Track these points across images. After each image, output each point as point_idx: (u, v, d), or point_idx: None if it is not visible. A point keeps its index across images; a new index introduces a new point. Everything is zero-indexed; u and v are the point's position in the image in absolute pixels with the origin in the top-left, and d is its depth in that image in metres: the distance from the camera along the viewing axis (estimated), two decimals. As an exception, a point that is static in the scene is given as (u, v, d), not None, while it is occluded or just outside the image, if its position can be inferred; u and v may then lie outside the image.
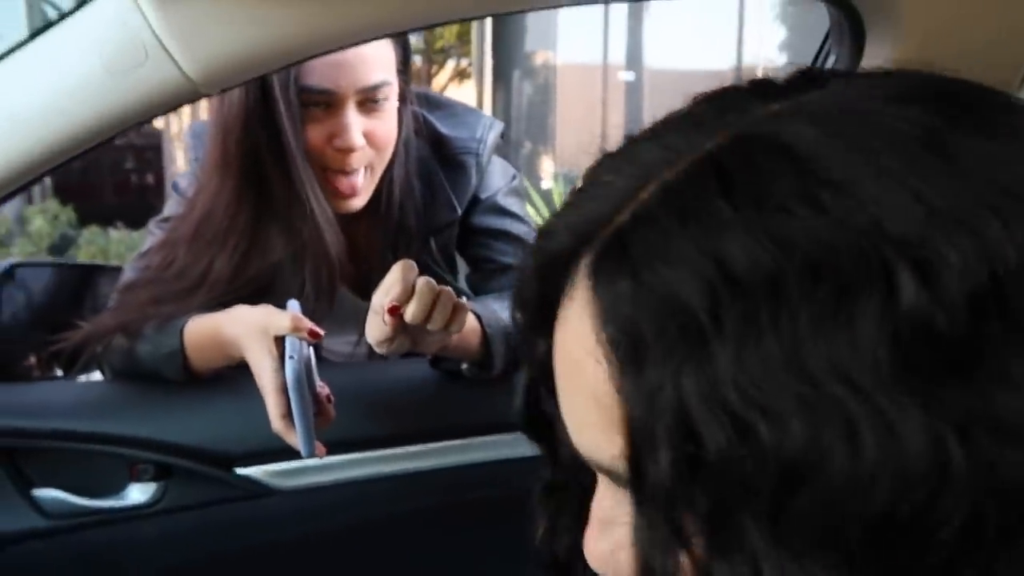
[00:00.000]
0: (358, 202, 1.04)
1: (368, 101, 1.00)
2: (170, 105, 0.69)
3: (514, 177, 1.17)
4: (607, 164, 0.34)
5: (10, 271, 1.16)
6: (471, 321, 0.94)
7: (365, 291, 1.09)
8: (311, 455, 0.83)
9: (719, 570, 0.29)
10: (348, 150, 1.00)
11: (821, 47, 0.94)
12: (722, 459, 0.28)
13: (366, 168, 1.03)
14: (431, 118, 1.11)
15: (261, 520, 0.98)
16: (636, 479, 0.30)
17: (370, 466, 0.98)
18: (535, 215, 2.67)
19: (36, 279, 1.22)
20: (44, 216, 6.60)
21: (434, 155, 1.10)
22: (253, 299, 0.94)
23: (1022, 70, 0.76)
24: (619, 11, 7.53)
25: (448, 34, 7.88)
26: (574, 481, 0.44)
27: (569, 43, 8.38)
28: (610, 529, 0.35)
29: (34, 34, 0.68)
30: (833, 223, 0.28)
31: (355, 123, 0.99)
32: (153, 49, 0.63)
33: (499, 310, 0.97)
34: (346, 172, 1.01)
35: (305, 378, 0.81)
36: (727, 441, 0.27)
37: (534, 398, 0.42)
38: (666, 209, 0.30)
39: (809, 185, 0.28)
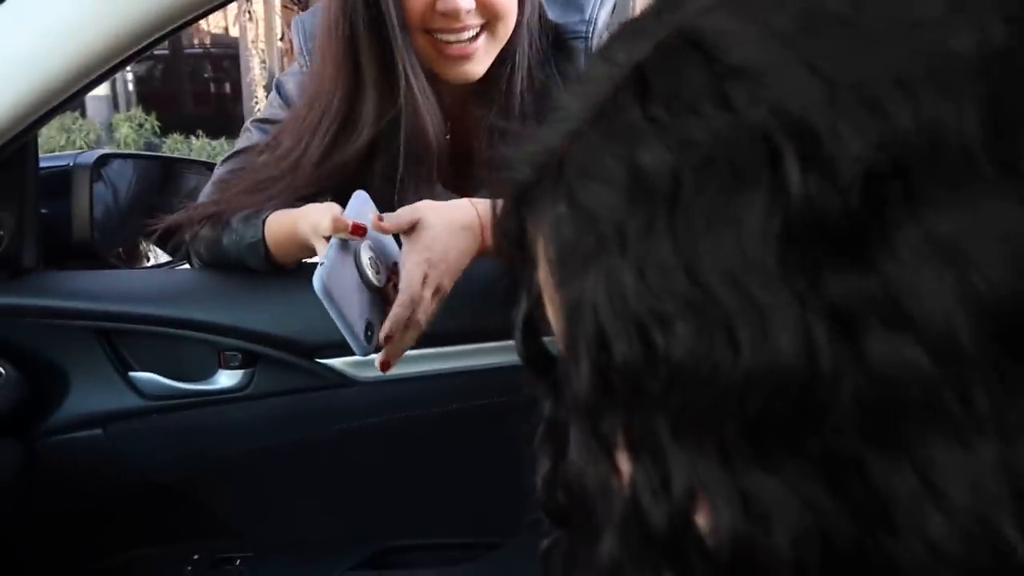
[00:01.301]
0: (475, 68, 0.98)
1: None
2: None
3: None
4: (566, 89, 0.35)
5: (102, 161, 1.20)
6: None
7: (461, 190, 1.06)
8: (364, 354, 0.82)
9: (637, 475, 0.30)
10: (454, 15, 0.94)
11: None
12: (628, 368, 0.29)
13: (482, 32, 0.97)
14: None
15: (341, 408, 1.01)
16: (568, 392, 0.31)
17: (448, 360, 1.00)
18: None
19: (124, 171, 1.25)
20: (130, 124, 6.79)
21: (545, 36, 1.04)
22: (345, 189, 0.92)
23: None
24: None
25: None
26: None
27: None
28: None
29: None
30: (733, 115, 0.27)
31: None
32: None
33: None
34: (457, 36, 0.96)
35: (336, 281, 0.79)
36: (631, 350, 0.28)
37: (532, 331, 0.43)
38: (596, 127, 0.31)
39: (717, 79, 0.28)
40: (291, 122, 1.02)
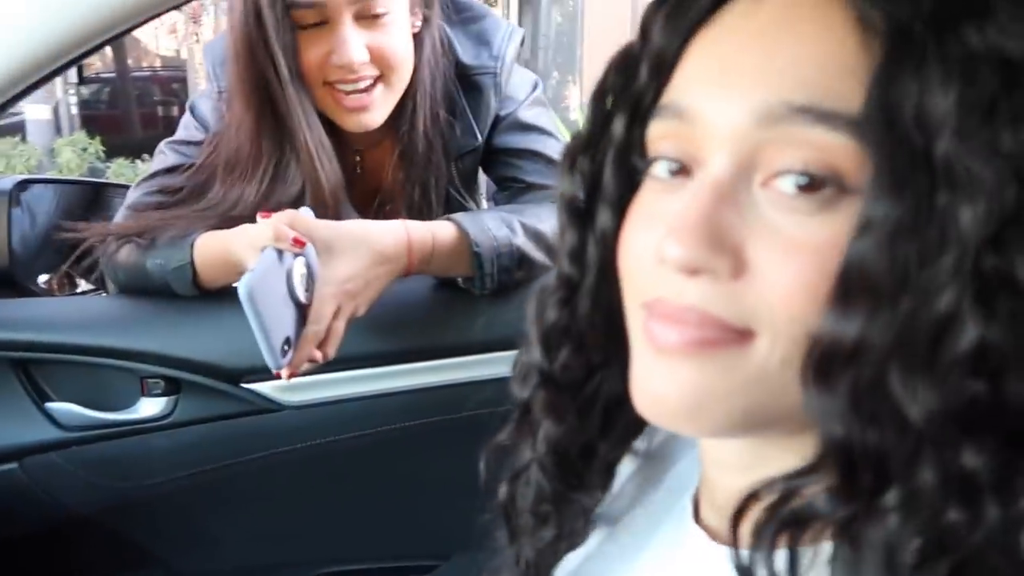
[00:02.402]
0: (373, 117, 1.01)
1: (366, 15, 0.96)
2: (163, 5, 0.69)
3: (535, 86, 1.13)
4: None
5: (21, 186, 1.17)
6: (458, 239, 0.94)
7: (387, 217, 1.08)
8: (276, 368, 0.82)
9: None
10: (347, 67, 0.97)
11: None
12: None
13: (378, 83, 1.00)
14: (449, 33, 1.07)
15: (268, 433, 0.99)
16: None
17: (376, 382, 0.99)
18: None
19: (44, 197, 1.22)
20: (73, 148, 6.65)
21: (454, 75, 1.07)
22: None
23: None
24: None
25: (474, -40, 7.63)
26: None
27: (598, -32, 8.11)
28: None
29: None
30: None
31: (353, 38, 0.96)
32: None
33: (493, 228, 0.96)
34: (353, 86, 0.98)
35: (262, 291, 0.78)
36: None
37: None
38: None
39: None
40: (215, 166, 1.02)
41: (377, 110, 1.01)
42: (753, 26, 0.39)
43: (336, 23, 0.96)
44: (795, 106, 0.36)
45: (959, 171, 0.34)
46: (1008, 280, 0.34)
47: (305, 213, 0.89)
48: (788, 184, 0.37)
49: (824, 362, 0.36)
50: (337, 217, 0.99)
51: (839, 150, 0.36)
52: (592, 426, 0.50)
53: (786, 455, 0.40)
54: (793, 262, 0.36)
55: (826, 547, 0.37)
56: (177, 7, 0.78)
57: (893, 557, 0.34)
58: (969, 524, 0.33)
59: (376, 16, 0.97)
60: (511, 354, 1.02)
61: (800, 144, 0.36)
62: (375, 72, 0.99)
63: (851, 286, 0.35)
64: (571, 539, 0.53)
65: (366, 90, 0.99)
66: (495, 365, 1.00)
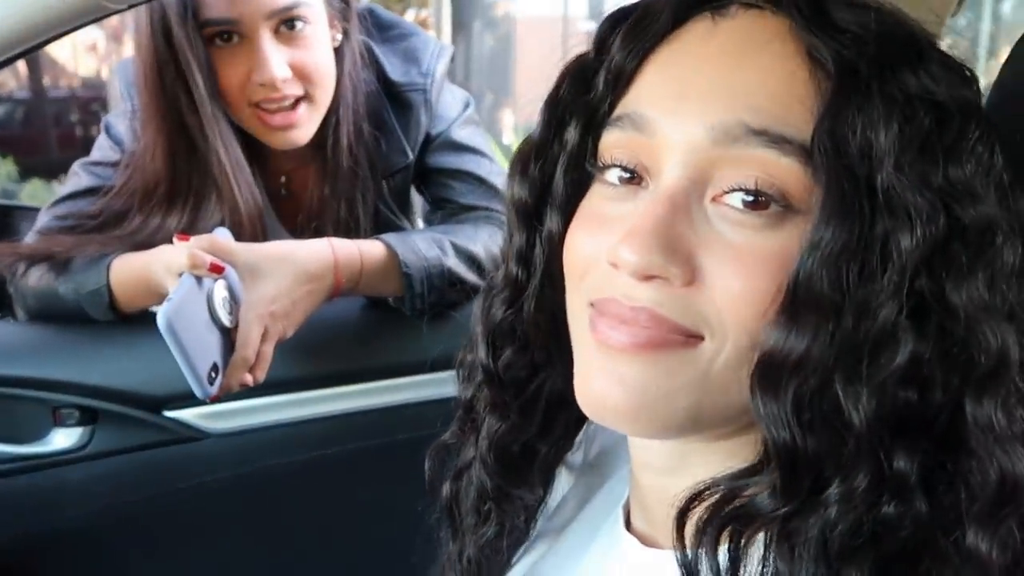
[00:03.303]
0: (299, 134, 0.99)
1: (283, 27, 0.95)
2: (79, 19, 0.66)
3: (467, 105, 1.13)
4: None
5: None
6: (387, 258, 0.93)
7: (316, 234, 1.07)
8: (205, 397, 0.80)
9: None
10: (270, 84, 0.95)
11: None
12: None
13: (302, 100, 0.98)
14: (376, 50, 1.06)
15: (192, 463, 0.96)
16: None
17: (303, 407, 0.97)
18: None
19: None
20: (-17, 169, 6.35)
21: (382, 91, 1.06)
22: None
23: (953, 5, 0.77)
24: (579, -40, 7.40)
25: (406, -17, 7.69)
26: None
27: (529, -6, 8.24)
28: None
29: None
30: None
31: (273, 54, 0.94)
32: None
33: (423, 248, 0.95)
34: (277, 106, 0.97)
35: (183, 319, 0.77)
36: None
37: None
38: None
39: None
40: (133, 196, 0.99)
41: (304, 127, 0.99)
42: (710, 49, 0.41)
43: (253, 39, 0.94)
44: (750, 127, 0.38)
45: (897, 200, 0.37)
46: (938, 300, 0.37)
47: (223, 235, 0.87)
48: (736, 199, 0.39)
49: (771, 371, 0.38)
50: (260, 240, 0.97)
51: (788, 172, 0.38)
52: (534, 424, 0.52)
53: (711, 458, 0.42)
54: (741, 272, 0.39)
55: (758, 540, 0.39)
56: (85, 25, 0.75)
57: (826, 548, 0.36)
58: (900, 517, 0.36)
59: (294, 28, 0.95)
60: (444, 375, 1.02)
61: (752, 163, 0.39)
62: (299, 90, 0.97)
63: (798, 302, 0.37)
64: (513, 536, 0.54)
65: (292, 108, 0.97)
66: (427, 387, 0.99)
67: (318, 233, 1.02)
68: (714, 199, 0.40)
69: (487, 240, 1.01)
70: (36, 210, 1.33)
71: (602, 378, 0.41)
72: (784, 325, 0.37)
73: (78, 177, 1.04)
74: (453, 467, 0.54)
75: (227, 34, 0.94)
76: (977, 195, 0.37)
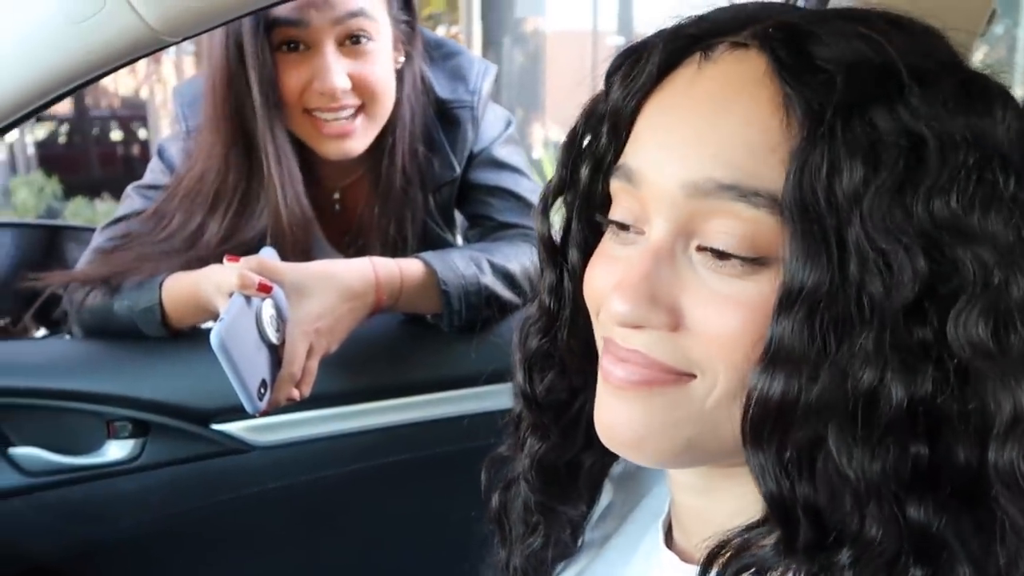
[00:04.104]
0: (354, 145, 1.01)
1: (348, 40, 0.97)
2: (132, 53, 0.68)
3: (508, 124, 1.15)
4: None
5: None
6: (426, 276, 0.95)
7: (354, 253, 1.08)
8: (255, 412, 0.83)
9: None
10: (329, 93, 0.97)
11: None
12: None
13: (360, 112, 1.00)
14: (425, 68, 1.09)
15: (239, 475, 0.98)
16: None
17: (346, 421, 0.99)
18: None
19: (4, 240, 1.21)
20: (29, 188, 6.53)
21: (431, 110, 1.08)
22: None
23: (983, 19, 0.77)
24: (609, -24, 7.41)
25: (436, 1, 7.77)
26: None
27: (559, 10, 8.27)
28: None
29: None
30: None
31: (335, 64, 0.97)
32: None
33: (461, 266, 0.97)
34: (333, 116, 0.99)
35: (235, 338, 0.79)
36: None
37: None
38: None
39: None
40: (180, 196, 1.02)
41: (357, 139, 1.01)
42: (692, 99, 0.42)
43: (318, 48, 0.97)
44: (720, 183, 0.39)
45: (867, 248, 0.37)
46: (936, 347, 0.36)
47: (269, 255, 0.90)
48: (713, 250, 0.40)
49: (756, 420, 0.39)
50: (302, 252, 1.00)
51: (759, 224, 0.39)
52: (576, 443, 0.54)
53: (735, 481, 0.43)
54: (723, 316, 0.40)
55: None
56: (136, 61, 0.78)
57: None
58: None
59: (358, 42, 0.98)
60: (482, 390, 1.04)
61: (725, 216, 0.39)
62: (356, 101, 0.99)
63: (775, 351, 0.38)
64: (558, 548, 0.56)
65: (347, 118, 1.00)
66: (466, 401, 1.01)
67: (365, 250, 1.04)
68: (698, 248, 0.41)
69: (523, 258, 1.03)
70: (81, 229, 1.38)
71: (608, 410, 0.44)
72: (764, 371, 0.38)
73: (130, 200, 1.08)
74: (503, 477, 0.57)
75: (294, 43, 0.97)
76: (970, 232, 0.36)
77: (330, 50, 0.97)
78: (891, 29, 0.40)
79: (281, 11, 0.94)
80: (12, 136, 7.94)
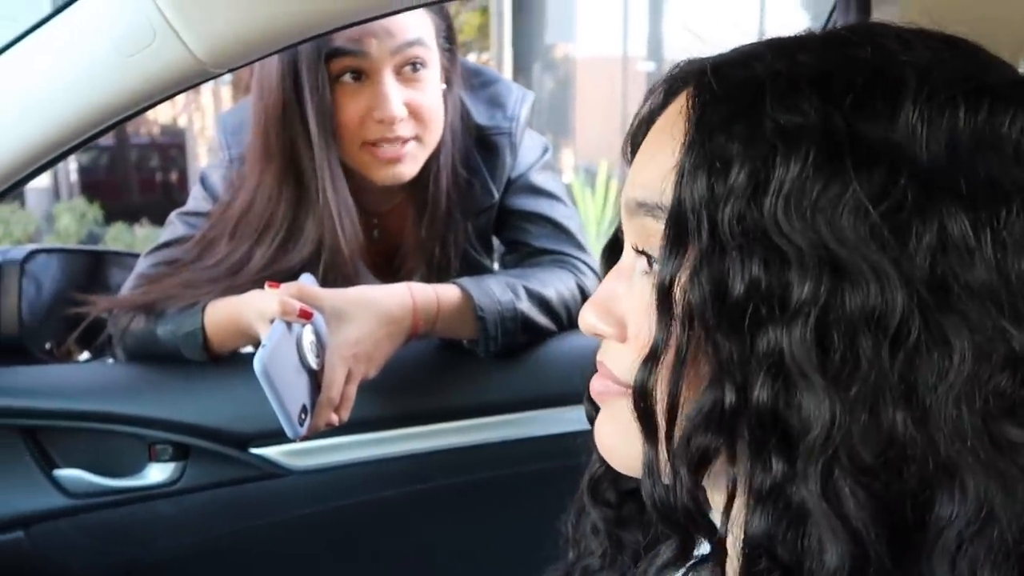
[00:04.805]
0: (406, 170, 1.02)
1: (405, 67, 0.99)
2: (181, 85, 0.70)
3: (545, 150, 1.16)
4: None
5: (29, 256, 1.19)
6: (462, 302, 0.95)
7: (395, 279, 1.08)
8: (295, 437, 0.84)
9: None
10: (389, 121, 0.98)
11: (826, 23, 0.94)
12: None
13: (412, 140, 1.01)
14: (463, 97, 1.10)
15: (276, 499, 0.99)
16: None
17: (383, 446, 0.99)
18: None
19: (49, 266, 1.24)
20: (71, 214, 6.69)
21: (470, 136, 1.09)
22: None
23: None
24: (639, 2, 7.47)
25: (468, 28, 7.88)
26: None
27: (589, 36, 8.33)
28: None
29: (44, 19, 0.69)
30: None
31: (394, 93, 0.98)
32: (160, 28, 0.63)
33: (497, 292, 0.97)
34: (390, 142, 1.00)
35: (276, 364, 0.80)
36: None
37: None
38: None
39: None
40: (227, 226, 1.03)
41: (410, 164, 1.02)
42: (647, 137, 0.46)
43: (377, 77, 0.98)
44: (636, 201, 0.43)
45: (728, 237, 0.38)
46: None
47: (308, 281, 0.91)
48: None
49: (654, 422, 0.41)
50: (347, 279, 1.01)
51: (659, 233, 0.41)
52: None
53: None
54: (647, 324, 0.42)
55: None
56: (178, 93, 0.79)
57: None
58: None
59: (416, 70, 0.99)
60: (517, 416, 1.03)
61: (640, 230, 0.43)
62: (411, 132, 1.00)
63: (650, 354, 0.41)
64: (621, 572, 0.56)
65: (401, 144, 1.00)
66: (501, 428, 1.01)
67: (407, 275, 1.05)
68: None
69: (558, 285, 1.03)
70: (124, 255, 1.41)
71: (597, 420, 0.48)
72: (645, 370, 0.41)
73: (173, 226, 1.10)
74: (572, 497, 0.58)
75: (355, 72, 0.98)
76: (844, 237, 0.36)
77: (389, 79, 0.98)
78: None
79: (340, 41, 0.96)
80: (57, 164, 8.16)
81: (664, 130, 0.44)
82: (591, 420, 0.49)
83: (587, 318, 0.45)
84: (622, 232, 0.50)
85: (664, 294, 0.40)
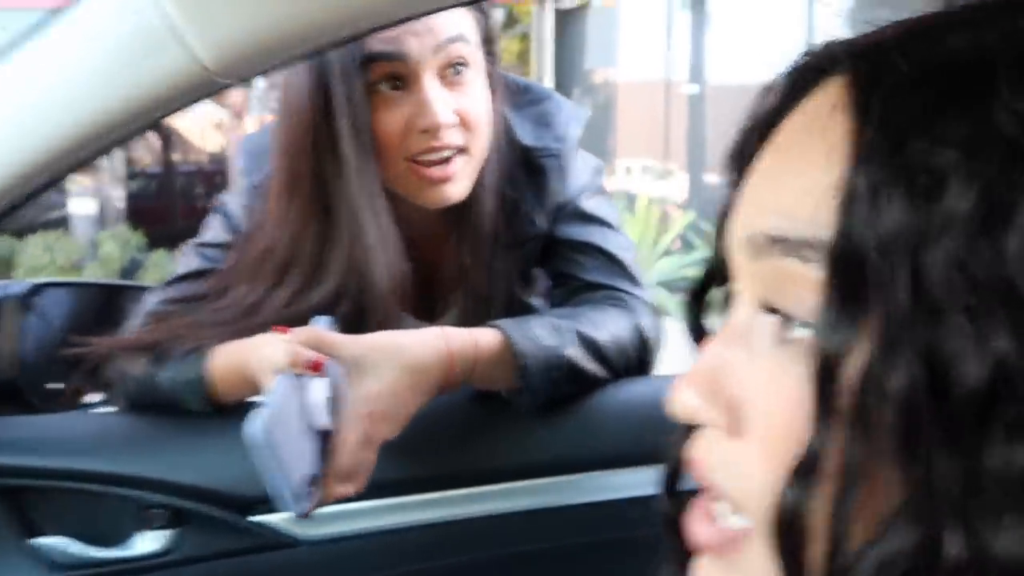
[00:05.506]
0: (455, 189, 0.90)
1: (448, 69, 0.88)
2: (189, 95, 0.63)
3: (598, 172, 1.04)
4: None
5: (35, 290, 1.11)
6: (502, 346, 0.83)
7: (430, 316, 0.97)
8: (301, 513, 0.72)
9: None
10: (435, 128, 0.87)
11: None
12: None
13: (460, 153, 0.90)
14: (508, 113, 0.99)
15: (282, 572, 0.88)
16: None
17: (406, 513, 0.88)
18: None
19: (60, 301, 1.16)
20: (115, 240, 6.83)
21: (514, 155, 0.98)
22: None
23: None
24: (681, 25, 7.42)
25: (507, 55, 7.92)
26: None
27: (630, 60, 8.31)
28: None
29: (43, 23, 0.64)
30: None
31: (439, 97, 0.87)
32: (166, 36, 0.57)
33: (542, 336, 0.85)
34: (437, 157, 0.89)
35: (279, 428, 0.68)
36: None
37: None
38: None
39: None
40: (245, 265, 0.93)
41: (460, 182, 0.91)
42: (770, 145, 0.34)
43: (417, 82, 0.87)
44: (769, 236, 0.31)
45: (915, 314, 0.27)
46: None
47: (324, 324, 0.79)
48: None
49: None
50: (388, 324, 0.89)
51: (808, 281, 0.30)
52: None
53: None
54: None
55: None
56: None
57: None
58: None
59: (459, 72, 0.89)
60: (562, 480, 0.90)
61: (775, 278, 0.31)
62: (459, 140, 0.89)
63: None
64: None
65: (449, 160, 0.89)
66: (544, 493, 0.88)
67: (441, 312, 0.95)
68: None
69: (611, 326, 0.90)
70: (141, 288, 1.33)
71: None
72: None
73: (187, 259, 1.00)
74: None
75: (397, 79, 0.87)
76: None
77: (432, 83, 0.87)
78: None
79: (375, 45, 0.85)
80: (104, 192, 8.37)
81: (808, 133, 0.32)
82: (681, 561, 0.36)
83: (686, 398, 0.33)
84: (718, 274, 0.38)
85: (828, 378, 0.27)
